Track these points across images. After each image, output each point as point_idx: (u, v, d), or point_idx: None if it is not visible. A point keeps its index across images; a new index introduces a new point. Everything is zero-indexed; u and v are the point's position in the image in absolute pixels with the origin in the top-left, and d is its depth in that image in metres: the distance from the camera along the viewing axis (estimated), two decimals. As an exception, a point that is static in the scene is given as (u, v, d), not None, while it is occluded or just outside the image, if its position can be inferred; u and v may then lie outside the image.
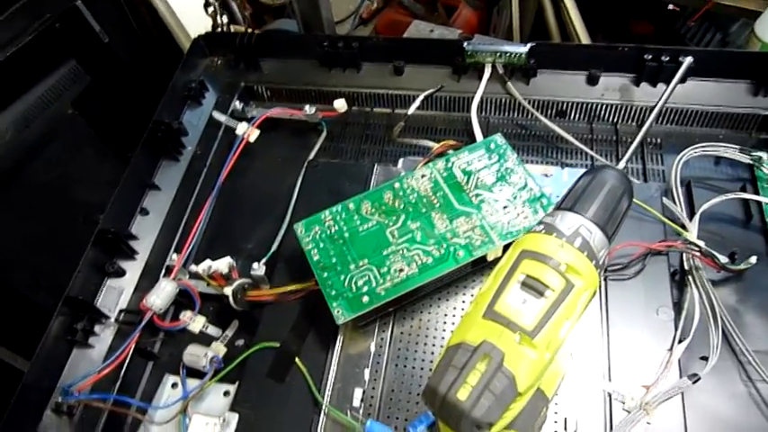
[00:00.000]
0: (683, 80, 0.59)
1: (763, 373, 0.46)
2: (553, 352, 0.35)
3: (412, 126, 0.67)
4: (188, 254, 0.58)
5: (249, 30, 0.71)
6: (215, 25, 0.81)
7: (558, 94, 0.65)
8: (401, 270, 0.49)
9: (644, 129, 0.50)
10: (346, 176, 0.61)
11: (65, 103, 0.74)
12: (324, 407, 0.48)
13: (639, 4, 1.05)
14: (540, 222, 0.39)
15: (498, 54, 0.64)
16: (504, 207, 0.52)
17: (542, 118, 0.62)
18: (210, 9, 0.80)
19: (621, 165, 0.44)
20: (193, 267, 0.56)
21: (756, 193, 0.56)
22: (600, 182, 0.39)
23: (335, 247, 0.51)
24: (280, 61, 0.72)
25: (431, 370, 0.49)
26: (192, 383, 0.51)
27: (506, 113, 0.67)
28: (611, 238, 0.38)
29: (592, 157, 0.61)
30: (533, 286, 0.35)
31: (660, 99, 0.51)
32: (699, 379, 0.45)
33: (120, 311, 0.55)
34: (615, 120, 0.65)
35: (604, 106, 0.64)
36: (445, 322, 0.52)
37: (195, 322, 0.54)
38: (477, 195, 0.53)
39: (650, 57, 0.61)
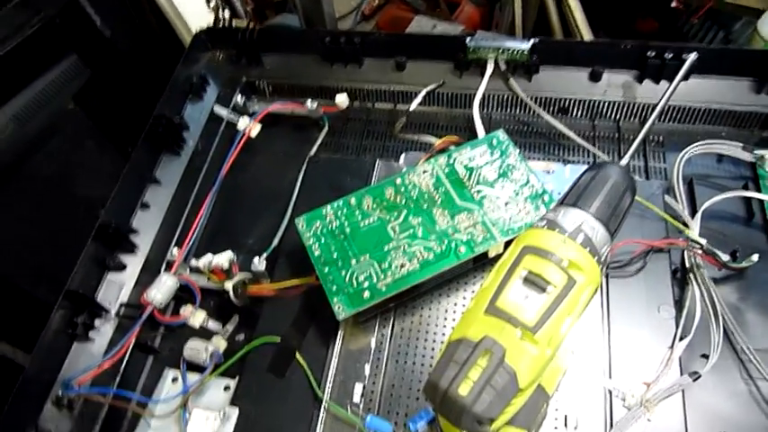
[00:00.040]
0: (686, 77, 0.59)
1: (763, 372, 0.46)
2: (555, 348, 0.34)
3: (414, 122, 0.67)
4: (189, 248, 0.58)
5: (251, 24, 0.71)
6: (217, 20, 0.80)
7: (560, 91, 0.65)
8: (402, 266, 0.49)
9: (647, 125, 0.49)
10: (348, 172, 0.61)
11: (65, 98, 0.74)
12: (324, 402, 0.48)
13: (642, 1, 1.05)
14: (543, 218, 0.38)
15: (501, 50, 0.64)
16: (506, 203, 0.52)
17: (544, 115, 0.62)
18: (212, 3, 0.80)
19: (624, 161, 0.43)
20: (194, 262, 0.56)
21: (758, 191, 0.56)
22: (603, 178, 0.39)
23: (337, 242, 0.51)
24: (281, 56, 0.72)
25: (431, 366, 0.49)
26: (193, 378, 0.51)
27: (508, 110, 0.67)
28: (613, 234, 0.38)
29: (594, 155, 0.61)
30: (535, 282, 0.35)
31: (664, 95, 0.51)
32: (699, 377, 0.45)
33: (121, 306, 0.54)
34: (617, 117, 0.65)
35: (607, 103, 0.64)
36: (446, 318, 0.52)
37: (195, 317, 0.54)
38: (478, 191, 0.53)
39: (653, 54, 0.61)
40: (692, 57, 0.56)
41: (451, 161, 0.55)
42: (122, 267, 0.57)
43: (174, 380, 0.53)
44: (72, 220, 0.70)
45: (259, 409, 0.48)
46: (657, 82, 0.63)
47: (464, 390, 0.32)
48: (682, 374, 0.46)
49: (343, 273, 0.50)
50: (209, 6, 0.80)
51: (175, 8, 0.84)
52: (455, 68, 0.67)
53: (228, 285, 0.52)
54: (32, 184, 0.72)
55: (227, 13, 0.81)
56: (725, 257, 0.49)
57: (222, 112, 0.67)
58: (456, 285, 0.53)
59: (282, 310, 0.53)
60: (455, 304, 0.52)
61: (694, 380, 0.45)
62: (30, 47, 0.66)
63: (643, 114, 0.64)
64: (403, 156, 0.62)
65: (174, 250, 0.58)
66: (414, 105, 0.65)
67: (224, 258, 0.54)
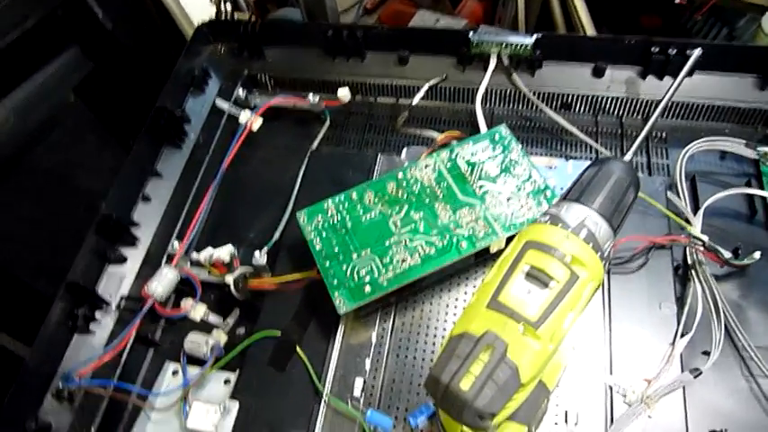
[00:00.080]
0: (690, 73, 0.58)
1: (764, 369, 0.46)
2: (557, 343, 0.34)
3: (416, 116, 0.67)
4: (190, 242, 0.58)
5: (253, 17, 0.71)
6: (218, 12, 0.80)
7: (563, 87, 0.64)
8: (404, 260, 0.49)
9: (651, 120, 0.49)
10: (349, 166, 0.60)
11: (67, 90, 0.74)
12: (324, 396, 0.48)
13: (646, -3, 1.04)
14: (546, 213, 0.38)
15: (504, 45, 0.63)
16: (508, 199, 0.52)
17: (547, 110, 0.62)
18: (215, -4, 0.79)
19: (628, 157, 0.43)
20: (195, 255, 0.55)
21: (761, 188, 0.56)
22: (606, 173, 0.38)
23: (338, 236, 0.51)
24: (284, 50, 0.72)
25: (432, 360, 0.49)
26: (193, 371, 0.51)
27: (511, 105, 0.67)
28: (616, 230, 0.38)
29: (596, 150, 0.61)
30: (538, 277, 0.35)
31: (668, 91, 0.51)
32: (700, 373, 0.45)
33: (122, 298, 0.54)
34: (620, 113, 0.65)
35: (610, 99, 0.64)
36: (447, 313, 0.52)
37: (196, 310, 0.54)
38: (480, 186, 0.53)
39: (657, 49, 0.61)
40: (697, 53, 0.56)
41: (454, 156, 0.55)
42: (123, 260, 0.56)
43: (175, 373, 0.53)
44: (73, 212, 0.70)
45: (259, 403, 0.49)
46: (661, 78, 0.62)
47: (466, 384, 0.32)
48: (683, 371, 0.46)
49: (345, 267, 0.49)
50: (211, -1, 0.80)
51: (177, 1, 0.83)
52: (458, 63, 0.67)
53: (229, 279, 0.52)
54: (33, 176, 0.72)
55: (228, 6, 0.81)
56: (727, 254, 0.49)
57: (224, 105, 0.67)
58: (457, 280, 0.53)
59: (283, 304, 0.53)
60: (456, 299, 0.52)
61: (695, 377, 0.45)
62: (31, 39, 0.66)
63: (646, 110, 0.63)
64: (405, 150, 0.61)
65: (175, 243, 0.58)
66: (416, 100, 0.65)
67: (225, 252, 0.54)
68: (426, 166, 0.55)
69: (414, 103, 0.65)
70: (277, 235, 0.57)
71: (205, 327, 0.53)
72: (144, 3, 0.82)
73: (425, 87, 0.65)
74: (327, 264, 0.50)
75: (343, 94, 0.65)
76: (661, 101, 0.51)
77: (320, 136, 0.66)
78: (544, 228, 0.37)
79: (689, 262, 0.51)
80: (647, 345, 0.48)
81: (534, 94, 0.64)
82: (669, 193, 0.54)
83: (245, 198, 0.63)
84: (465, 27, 0.91)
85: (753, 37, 0.79)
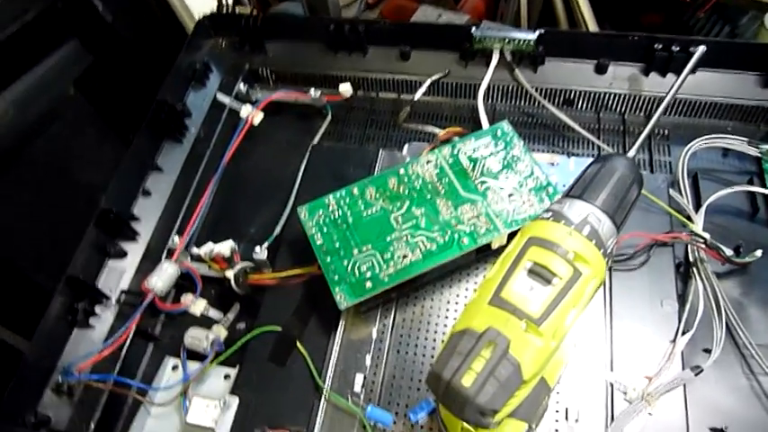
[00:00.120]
0: (693, 70, 0.58)
1: (765, 367, 0.46)
2: (559, 340, 0.34)
3: (418, 112, 0.67)
4: (190, 236, 0.58)
5: (254, 11, 0.70)
6: (220, 6, 0.80)
7: (565, 83, 0.64)
8: (405, 256, 0.49)
9: (655, 117, 0.49)
10: (351, 161, 0.60)
11: (67, 83, 0.74)
12: (325, 392, 0.48)
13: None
14: (549, 209, 0.38)
15: (507, 40, 0.63)
16: (510, 195, 0.52)
17: (549, 106, 0.62)
18: (216, -10, 0.79)
19: (631, 154, 0.43)
20: (195, 250, 0.55)
21: (763, 186, 0.56)
22: (610, 170, 0.38)
23: (339, 231, 0.51)
24: (285, 44, 0.72)
25: (432, 357, 0.49)
26: (193, 366, 0.51)
27: (513, 101, 0.67)
28: (619, 226, 0.38)
29: (599, 147, 0.61)
30: (540, 274, 0.35)
31: (672, 88, 0.50)
32: (701, 371, 0.45)
33: (122, 293, 0.54)
34: (623, 110, 0.64)
35: (612, 96, 0.63)
36: (448, 309, 0.51)
37: (196, 305, 0.54)
38: (482, 183, 0.53)
39: (660, 46, 0.60)
40: (701, 50, 0.56)
41: (455, 152, 0.55)
42: (123, 254, 0.56)
43: (175, 368, 0.53)
44: (73, 206, 0.69)
45: (259, 398, 0.48)
46: (664, 75, 0.62)
47: (467, 381, 0.32)
48: (683, 369, 0.46)
49: (346, 262, 0.49)
50: (212, -7, 0.79)
51: (178, -6, 0.83)
52: (460, 58, 0.67)
53: (230, 274, 0.52)
54: (33, 169, 0.72)
55: (230, 0, 0.80)
56: (728, 252, 0.49)
57: (225, 99, 0.66)
58: (458, 276, 0.53)
59: (284, 300, 0.53)
60: (457, 295, 0.52)
61: (696, 374, 0.45)
62: (31, 32, 0.65)
63: (649, 107, 0.63)
64: (406, 146, 0.61)
65: (176, 238, 0.58)
66: (418, 95, 0.64)
67: (225, 247, 0.54)
68: (428, 162, 0.55)
69: (416, 99, 0.64)
70: (278, 230, 0.57)
71: (205, 322, 0.53)
72: (145, -5, 0.82)
73: (427, 83, 0.65)
74: (328, 259, 0.50)
75: (345, 89, 0.65)
76: (665, 97, 0.51)
77: (321, 131, 0.66)
78: (547, 224, 0.37)
79: (690, 259, 0.51)
80: (648, 342, 0.47)
81: (536, 90, 0.63)
82: (671, 190, 0.54)
83: (246, 193, 0.63)
84: (467, 22, 0.91)
85: (755, 35, 0.79)
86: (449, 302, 0.52)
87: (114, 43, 0.77)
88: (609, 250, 0.37)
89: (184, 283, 0.55)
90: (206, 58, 0.70)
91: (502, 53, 0.64)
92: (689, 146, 0.55)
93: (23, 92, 0.68)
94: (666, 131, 0.63)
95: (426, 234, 0.50)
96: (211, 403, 0.48)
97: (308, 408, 0.47)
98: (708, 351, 0.46)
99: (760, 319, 0.49)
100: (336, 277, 0.49)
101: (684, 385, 0.45)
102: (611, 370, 0.47)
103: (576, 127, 0.60)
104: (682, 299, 0.49)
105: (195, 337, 0.51)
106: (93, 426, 0.50)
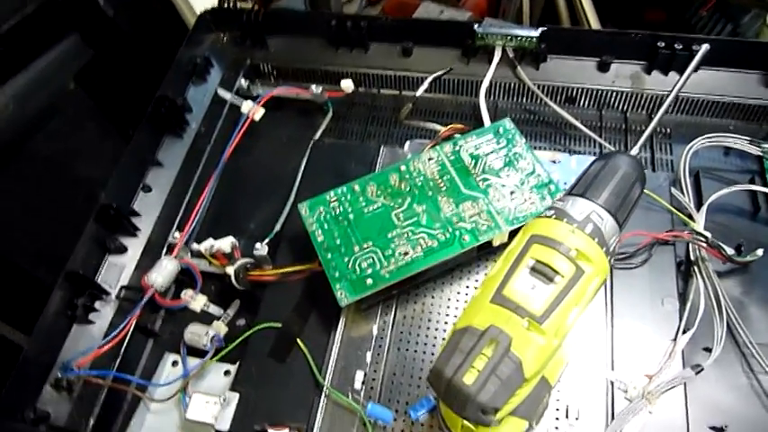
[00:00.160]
0: (696, 69, 0.58)
1: (765, 366, 0.46)
2: (561, 338, 0.34)
3: (419, 108, 0.66)
4: (190, 232, 0.57)
5: (256, 6, 0.70)
6: (221, 1, 0.79)
7: (567, 80, 0.64)
8: (406, 253, 0.49)
9: (658, 115, 0.49)
10: (352, 157, 0.60)
11: (67, 78, 0.73)
12: (325, 388, 0.48)
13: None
14: (551, 207, 0.38)
15: (509, 37, 0.63)
16: (512, 192, 0.52)
17: (551, 104, 0.62)
18: (217, -16, 0.79)
19: (634, 152, 0.43)
20: (195, 246, 0.55)
21: (765, 185, 0.56)
22: (612, 168, 0.38)
23: (340, 228, 0.51)
24: (287, 39, 0.71)
25: (433, 354, 0.49)
26: (193, 362, 0.51)
27: (515, 98, 0.67)
28: (622, 225, 0.38)
29: (600, 145, 0.61)
30: (543, 272, 0.34)
31: (675, 86, 0.50)
32: (702, 370, 0.45)
33: (121, 288, 0.54)
34: (625, 108, 0.64)
35: (615, 94, 0.63)
36: (449, 307, 0.51)
37: (196, 301, 0.54)
38: (484, 180, 0.53)
39: (663, 44, 0.60)
40: (705, 48, 0.55)
41: (457, 149, 0.55)
42: (123, 250, 0.56)
43: (175, 364, 0.53)
44: (72, 201, 0.69)
45: (259, 395, 0.48)
46: (666, 73, 0.62)
47: (469, 379, 0.32)
48: (684, 367, 0.46)
49: (346, 259, 0.49)
50: (213, -13, 0.79)
51: (179, -12, 0.83)
52: (462, 55, 0.66)
53: (230, 270, 0.52)
54: (33, 164, 0.71)
55: (231, -5, 0.80)
56: (730, 251, 0.49)
57: (226, 94, 0.66)
58: (459, 274, 0.53)
59: (284, 296, 0.52)
60: (458, 293, 0.52)
61: (696, 373, 0.45)
62: (31, 25, 0.65)
63: (651, 105, 0.63)
64: (408, 143, 0.61)
65: (176, 233, 0.58)
66: (420, 92, 0.64)
67: (226, 243, 0.54)
68: (429, 159, 0.54)
69: (417, 96, 0.64)
70: (278, 226, 0.56)
71: (205, 318, 0.53)
72: (146, -10, 0.82)
73: (429, 79, 0.64)
74: (329, 255, 0.50)
75: (347, 85, 0.65)
76: (669, 95, 0.51)
77: (323, 127, 0.65)
78: (549, 222, 0.37)
79: (692, 258, 0.51)
80: (648, 340, 0.47)
81: (539, 87, 0.63)
82: (673, 188, 0.54)
83: (247, 189, 0.63)
84: (469, 19, 0.91)
85: (757, 33, 0.78)
86: (449, 300, 0.52)
87: (115, 38, 0.77)
88: (611, 248, 0.37)
89: (184, 278, 0.55)
90: (207, 53, 0.70)
91: (504, 50, 0.64)
92: (691, 144, 0.55)
93: (23, 86, 0.68)
94: (668, 130, 0.63)
95: (427, 231, 0.50)
96: (211, 399, 0.48)
97: (308, 404, 0.47)
98: (708, 350, 0.46)
99: (761, 318, 0.49)
100: (337, 274, 0.49)
101: (685, 384, 0.45)
102: (612, 368, 0.47)
103: (578, 125, 0.60)
104: (683, 297, 0.49)
105: (195, 333, 0.51)
106: (92, 421, 0.50)
